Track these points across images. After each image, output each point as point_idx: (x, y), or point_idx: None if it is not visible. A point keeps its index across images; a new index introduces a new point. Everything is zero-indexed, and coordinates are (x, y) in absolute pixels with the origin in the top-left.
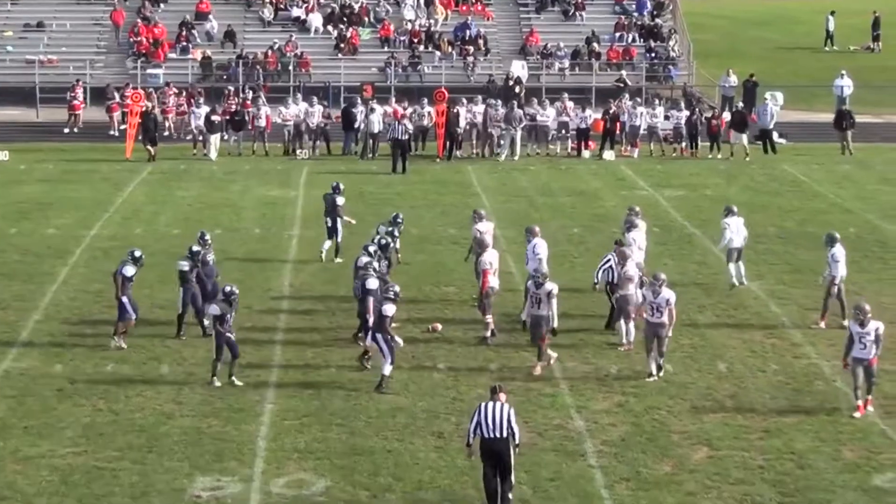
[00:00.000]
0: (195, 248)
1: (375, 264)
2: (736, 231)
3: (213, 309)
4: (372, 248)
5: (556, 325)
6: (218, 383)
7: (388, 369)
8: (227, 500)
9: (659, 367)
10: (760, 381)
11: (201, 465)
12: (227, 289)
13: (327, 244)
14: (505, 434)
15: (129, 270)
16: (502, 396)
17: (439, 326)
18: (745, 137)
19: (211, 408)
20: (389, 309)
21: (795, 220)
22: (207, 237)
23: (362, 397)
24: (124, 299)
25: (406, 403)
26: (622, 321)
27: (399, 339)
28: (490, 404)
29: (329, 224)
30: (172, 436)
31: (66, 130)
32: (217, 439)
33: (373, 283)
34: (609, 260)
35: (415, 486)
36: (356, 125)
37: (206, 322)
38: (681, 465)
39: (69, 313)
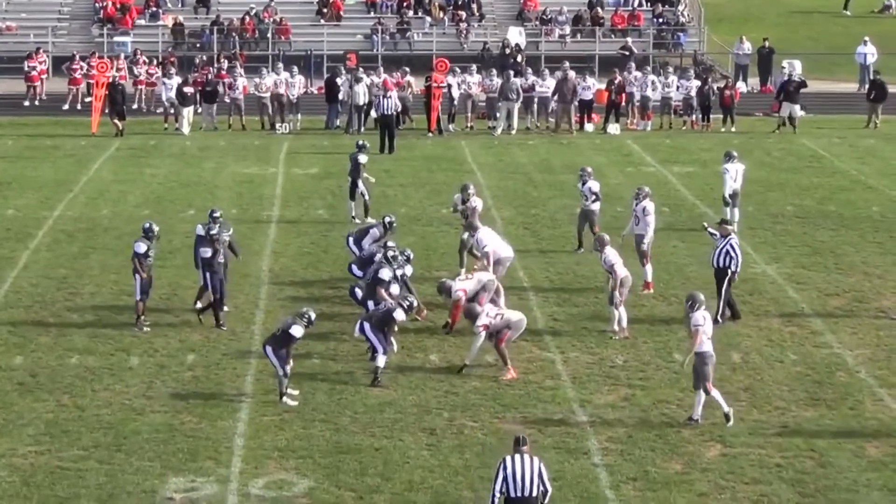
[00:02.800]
0: (213, 231)
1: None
2: (735, 176)
3: (297, 331)
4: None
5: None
6: (293, 402)
7: (381, 360)
8: (202, 503)
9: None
10: (778, 373)
11: (174, 465)
12: (312, 316)
13: (352, 205)
14: (535, 492)
15: (140, 247)
16: (527, 448)
17: (424, 313)
18: (797, 108)
19: (184, 403)
20: (400, 315)
21: (815, 198)
22: (218, 213)
23: (347, 391)
24: (136, 278)
25: (395, 398)
26: (612, 307)
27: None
28: (516, 458)
29: (349, 183)
30: (142, 433)
31: (27, 103)
32: (191, 437)
33: (386, 274)
34: (725, 242)
35: (405, 486)
36: (341, 97)
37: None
38: (692, 464)
39: (31, 301)
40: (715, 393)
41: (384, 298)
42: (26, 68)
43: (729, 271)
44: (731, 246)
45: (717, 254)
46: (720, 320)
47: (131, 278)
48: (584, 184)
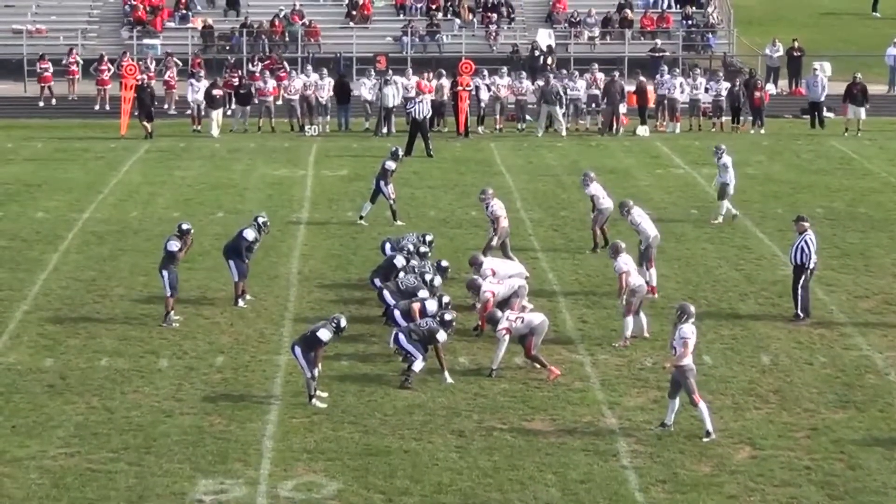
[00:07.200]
0: (254, 233)
1: (415, 262)
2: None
3: (324, 335)
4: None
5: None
6: (322, 404)
7: (419, 366)
8: None
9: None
10: (807, 375)
11: (203, 467)
12: (342, 323)
13: (367, 206)
14: None
15: (174, 245)
16: None
17: (454, 314)
18: (863, 112)
19: (213, 405)
20: (442, 336)
21: (844, 200)
22: (264, 220)
23: (377, 393)
24: (164, 273)
25: (424, 400)
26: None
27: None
28: None
29: (373, 186)
30: (172, 435)
31: (52, 103)
32: (220, 439)
33: (423, 293)
34: (801, 238)
35: (434, 488)
36: (370, 99)
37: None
38: (721, 466)
39: (60, 303)
40: (702, 406)
41: (415, 317)
42: (38, 70)
43: (808, 267)
44: (806, 242)
45: (793, 251)
46: (800, 315)
47: (159, 279)
48: (585, 187)
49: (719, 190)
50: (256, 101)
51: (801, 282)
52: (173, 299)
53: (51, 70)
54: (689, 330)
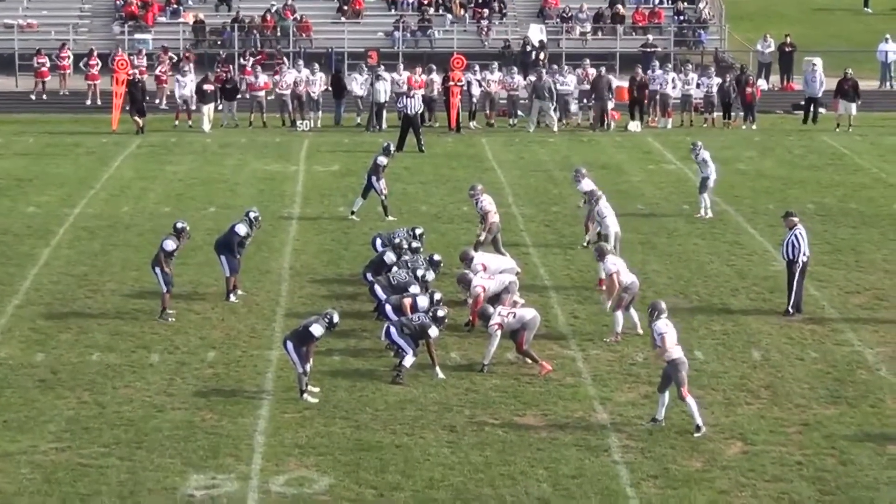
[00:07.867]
0: (246, 228)
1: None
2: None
3: (317, 330)
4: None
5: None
6: (313, 399)
7: (409, 361)
8: (222, 500)
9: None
10: (798, 371)
11: (195, 462)
12: (334, 318)
13: (359, 201)
14: None
15: (170, 245)
16: None
17: (447, 310)
18: (854, 107)
19: (205, 400)
20: (434, 332)
21: (835, 195)
22: (256, 214)
23: (368, 388)
24: (157, 270)
25: (415, 395)
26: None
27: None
28: None
29: (365, 182)
30: (163, 430)
31: (44, 98)
32: (212, 434)
33: (414, 289)
34: (791, 233)
35: (425, 483)
36: (362, 94)
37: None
38: (712, 461)
39: (51, 298)
40: (690, 401)
41: (406, 312)
42: (35, 65)
43: (800, 261)
44: (796, 237)
45: (784, 246)
46: (790, 311)
47: (152, 275)
48: (577, 183)
49: (700, 184)
50: (248, 97)
51: (796, 276)
52: (169, 295)
53: (48, 65)
54: (662, 325)
